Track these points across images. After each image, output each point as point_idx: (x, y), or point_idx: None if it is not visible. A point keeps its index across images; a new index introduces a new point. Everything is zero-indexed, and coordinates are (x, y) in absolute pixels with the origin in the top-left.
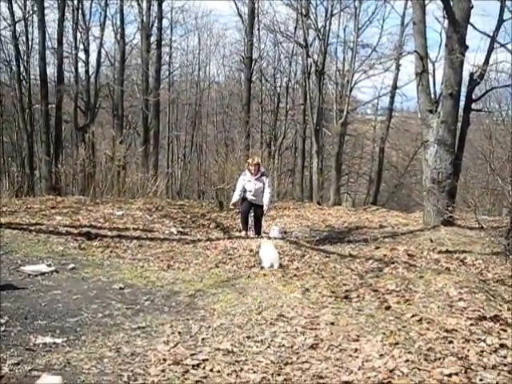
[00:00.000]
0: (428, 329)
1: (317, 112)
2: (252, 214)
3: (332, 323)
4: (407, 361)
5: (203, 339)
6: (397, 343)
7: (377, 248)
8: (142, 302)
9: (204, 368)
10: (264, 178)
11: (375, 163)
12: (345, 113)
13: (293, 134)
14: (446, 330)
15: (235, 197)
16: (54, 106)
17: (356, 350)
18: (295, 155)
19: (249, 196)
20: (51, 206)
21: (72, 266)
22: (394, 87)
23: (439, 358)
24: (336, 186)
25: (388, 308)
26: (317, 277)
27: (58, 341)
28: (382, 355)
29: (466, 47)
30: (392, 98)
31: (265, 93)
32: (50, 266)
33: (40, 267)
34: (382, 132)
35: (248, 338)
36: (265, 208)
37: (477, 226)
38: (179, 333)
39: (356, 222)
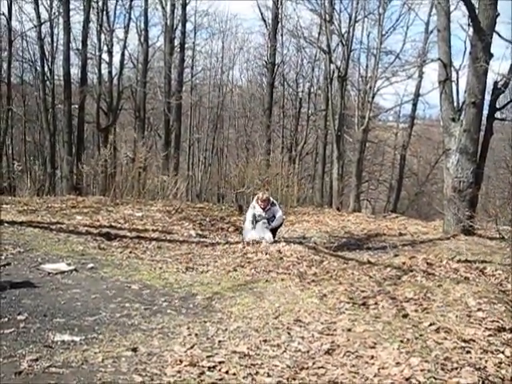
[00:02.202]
0: (445, 338)
1: (338, 118)
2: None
3: (349, 329)
4: (423, 370)
5: (220, 342)
6: (413, 351)
7: (396, 256)
8: (159, 302)
9: (220, 370)
10: (274, 208)
11: (396, 170)
12: (366, 119)
13: (314, 140)
14: (464, 340)
15: (248, 230)
16: (76, 106)
17: (372, 356)
18: (316, 161)
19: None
20: (72, 206)
21: (91, 265)
22: (417, 95)
23: (456, 368)
24: (356, 192)
25: (405, 316)
26: (335, 283)
27: (76, 339)
28: (398, 363)
29: (491, 55)
30: (414, 105)
31: (287, 98)
32: (69, 264)
33: (60, 266)
34: (403, 139)
35: (264, 341)
36: (272, 226)
37: (498, 236)
38: (196, 335)
39: (375, 230)
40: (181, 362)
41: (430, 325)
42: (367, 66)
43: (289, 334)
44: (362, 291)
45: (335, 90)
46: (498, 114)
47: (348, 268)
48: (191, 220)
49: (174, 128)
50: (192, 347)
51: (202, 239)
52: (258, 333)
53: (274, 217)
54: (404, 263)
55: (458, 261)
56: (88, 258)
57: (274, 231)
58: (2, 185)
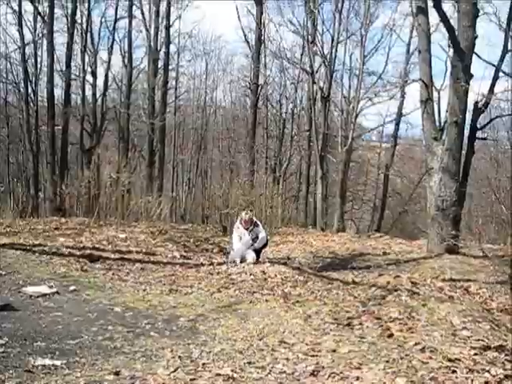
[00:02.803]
0: (431, 357)
1: (322, 138)
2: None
3: (333, 350)
4: None
5: (204, 364)
6: (399, 372)
7: (380, 275)
8: (142, 325)
9: None
10: (257, 228)
11: (380, 190)
12: (350, 139)
13: (298, 160)
14: (450, 360)
15: (238, 250)
16: (60, 127)
17: (358, 378)
18: (300, 181)
19: None
20: (55, 227)
21: (73, 287)
22: (399, 115)
23: None
24: (340, 212)
25: (390, 336)
26: (319, 303)
27: (58, 363)
28: (384, 383)
29: (471, 76)
30: (397, 125)
31: (270, 118)
32: (51, 287)
33: (41, 288)
34: (386, 159)
35: (249, 363)
36: (254, 247)
37: (481, 254)
38: (180, 357)
39: (360, 249)
40: None
41: (415, 344)
42: (350, 87)
43: (273, 355)
44: (347, 311)
45: (318, 111)
46: (479, 134)
47: (333, 288)
48: (175, 241)
49: (158, 149)
50: (175, 370)
51: (186, 261)
52: (242, 355)
53: (258, 237)
54: (388, 282)
55: (443, 280)
56: (70, 280)
57: (258, 252)
58: None
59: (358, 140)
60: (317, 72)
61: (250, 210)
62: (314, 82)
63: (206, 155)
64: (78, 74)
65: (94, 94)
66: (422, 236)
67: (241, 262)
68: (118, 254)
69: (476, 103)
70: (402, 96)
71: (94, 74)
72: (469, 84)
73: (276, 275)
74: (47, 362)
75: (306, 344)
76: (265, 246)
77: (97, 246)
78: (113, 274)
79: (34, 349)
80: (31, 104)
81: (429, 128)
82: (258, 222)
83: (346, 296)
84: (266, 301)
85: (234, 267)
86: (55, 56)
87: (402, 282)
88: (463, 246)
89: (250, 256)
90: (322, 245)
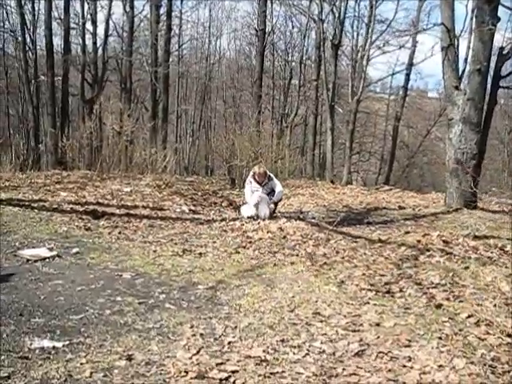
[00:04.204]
0: (488, 332)
1: (332, 88)
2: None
3: (377, 324)
4: (471, 374)
5: (230, 343)
6: (456, 350)
7: (407, 233)
8: (156, 295)
9: (234, 383)
10: (271, 182)
11: (387, 142)
12: (360, 89)
13: (303, 111)
14: (509, 335)
15: (250, 202)
16: (60, 78)
17: (409, 358)
18: (305, 132)
19: None
20: (56, 181)
21: (76, 250)
22: (410, 64)
23: (508, 371)
24: (349, 164)
25: (439, 306)
26: (349, 266)
27: (58, 345)
28: (440, 366)
29: (498, 19)
30: (407, 75)
31: (276, 68)
32: (51, 249)
33: (40, 251)
34: (395, 110)
35: (282, 341)
36: (273, 200)
37: (498, 208)
38: (201, 335)
39: (373, 203)
40: (186, 373)
41: (468, 317)
42: (358, 35)
43: (309, 331)
44: (382, 275)
45: (326, 60)
46: (502, 82)
47: (358, 247)
48: (182, 195)
49: (162, 99)
50: (198, 352)
51: (195, 216)
52: (273, 330)
53: (273, 191)
54: (419, 241)
55: (475, 237)
56: (72, 240)
57: (274, 206)
58: None
59: (364, 91)
60: (325, 20)
61: (260, 162)
62: (323, 31)
63: (209, 106)
64: (77, 22)
65: (94, 43)
66: (429, 189)
67: (255, 218)
68: (124, 210)
69: (501, 49)
70: (414, 45)
71: (93, 22)
72: (495, 27)
73: (295, 232)
74: (46, 343)
75: (344, 316)
76: (280, 199)
77: (100, 200)
78: (119, 232)
79: (30, 326)
80: (29, 53)
81: (450, 76)
82: (272, 175)
83: (376, 256)
84: (292, 263)
85: (249, 223)
86: (53, 3)
87: (433, 241)
88: (481, 201)
89: (264, 212)
90: (334, 198)
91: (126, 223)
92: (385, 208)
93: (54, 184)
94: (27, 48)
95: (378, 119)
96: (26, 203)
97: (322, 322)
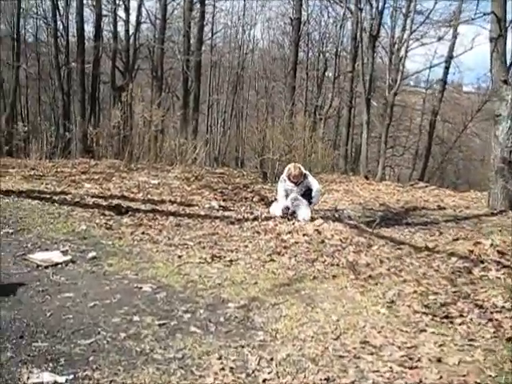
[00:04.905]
0: None
1: (369, 80)
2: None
3: (438, 360)
4: None
5: (265, 381)
6: None
7: (455, 240)
8: (179, 314)
9: None
10: (307, 180)
11: (422, 136)
12: (398, 82)
13: (337, 103)
14: None
15: (281, 203)
16: (91, 65)
17: None
18: (338, 125)
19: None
20: (82, 171)
21: (93, 254)
22: (450, 57)
23: None
24: (384, 159)
25: (511, 340)
26: (397, 280)
27: (61, 379)
28: None
29: None
30: (447, 68)
31: (310, 59)
32: (65, 253)
33: (52, 255)
34: (432, 104)
35: (327, 380)
36: (312, 204)
37: None
38: (231, 369)
39: (411, 201)
40: None
41: None
42: (395, 26)
43: (358, 366)
44: (435, 293)
45: (364, 51)
46: None
47: (404, 256)
48: (212, 188)
49: (193, 88)
50: None
51: (225, 213)
52: (315, 365)
53: (310, 189)
54: (471, 251)
55: None
56: (90, 242)
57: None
58: (12, 147)
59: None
60: (363, 9)
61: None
62: (360, 22)
63: (241, 96)
64: (109, 9)
65: (126, 31)
66: (464, 186)
67: (290, 218)
68: (150, 205)
69: None
70: (454, 36)
71: (126, 9)
72: None
73: (333, 235)
74: (46, 377)
75: (399, 347)
76: (319, 200)
77: (126, 193)
78: (142, 232)
79: (30, 353)
80: (62, 40)
81: (498, 69)
82: (308, 173)
83: (425, 268)
84: (334, 277)
85: (283, 223)
86: None
87: (487, 251)
88: None
89: (303, 213)
90: (370, 195)
91: (151, 221)
92: (424, 208)
93: (79, 174)
94: (59, 34)
95: (413, 113)
96: (47, 195)
97: (372, 354)
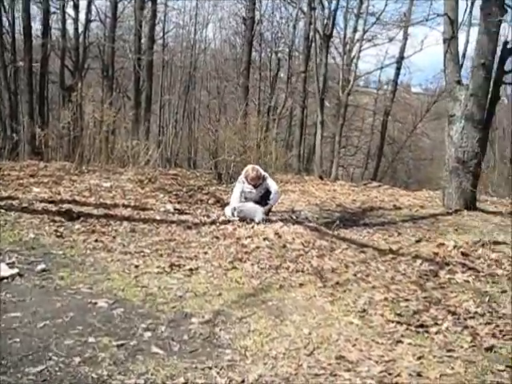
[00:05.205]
0: None
1: (323, 80)
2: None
3: (419, 374)
4: None
5: None
6: None
7: (417, 241)
8: (139, 332)
9: None
10: (265, 182)
11: (374, 136)
12: (352, 82)
13: (290, 104)
14: None
15: (233, 204)
16: (39, 63)
17: None
18: (290, 125)
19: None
20: (30, 174)
21: (43, 266)
22: (401, 57)
23: None
24: (337, 159)
25: (489, 349)
26: (366, 286)
27: None
28: None
29: (505, 11)
30: (398, 69)
31: (263, 59)
32: (12, 266)
33: None
34: (384, 105)
35: None
36: (270, 205)
37: (494, 209)
38: None
39: (367, 201)
40: None
41: None
42: (346, 28)
43: None
44: (406, 300)
45: (316, 52)
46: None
47: (368, 259)
48: (166, 191)
49: (145, 88)
50: None
51: (182, 217)
52: None
53: (268, 191)
54: (436, 254)
55: (492, 249)
56: (39, 252)
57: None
58: None
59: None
60: (315, 9)
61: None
62: (311, 23)
63: (194, 96)
64: (58, 6)
65: (76, 29)
66: (414, 185)
67: (246, 221)
68: (102, 209)
69: (505, 43)
70: (405, 37)
71: (75, 7)
72: (502, 19)
73: (294, 239)
74: None
75: (376, 362)
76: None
77: (77, 198)
78: (95, 240)
79: None
80: (7, 36)
81: (452, 70)
82: (267, 175)
83: (392, 273)
84: (301, 285)
85: (242, 227)
86: None
87: (450, 253)
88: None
89: (259, 215)
90: (326, 195)
91: (105, 227)
92: (380, 208)
93: (27, 177)
94: (4, 31)
95: (364, 113)
96: None
97: (349, 370)
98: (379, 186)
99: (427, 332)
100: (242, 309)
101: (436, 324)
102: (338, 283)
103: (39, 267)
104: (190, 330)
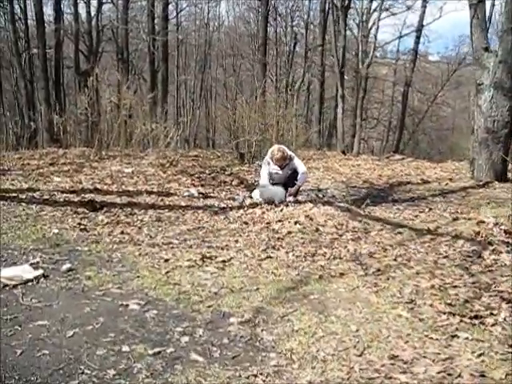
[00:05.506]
0: None
1: (342, 53)
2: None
3: (482, 374)
4: None
5: None
6: None
7: (455, 219)
8: (175, 337)
9: None
10: (292, 162)
11: (394, 108)
12: (371, 53)
13: (308, 78)
14: None
15: (263, 183)
16: (53, 49)
17: None
18: (308, 100)
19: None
20: (50, 163)
21: (68, 265)
22: (421, 26)
23: None
24: (360, 133)
25: None
26: (409, 273)
27: None
28: None
29: None
30: (418, 38)
31: (279, 34)
32: (36, 266)
33: (22, 270)
34: (404, 75)
35: None
36: (297, 185)
37: None
38: None
39: (393, 176)
40: None
41: None
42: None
43: None
44: (454, 286)
45: (334, 24)
46: None
47: (406, 241)
48: (189, 174)
49: (161, 69)
50: None
51: (206, 201)
52: None
53: (296, 172)
54: (478, 233)
55: None
56: (64, 250)
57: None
58: None
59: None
60: None
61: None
62: None
63: (210, 75)
64: None
65: (88, 12)
66: (436, 155)
67: (268, 202)
68: (126, 197)
69: None
70: (424, 5)
71: None
72: None
73: (326, 221)
74: None
75: (433, 361)
76: (304, 182)
77: (99, 186)
78: (121, 232)
79: None
80: (20, 23)
81: (479, 36)
82: (293, 155)
83: (434, 256)
84: (341, 274)
85: (270, 211)
86: None
87: (492, 231)
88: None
89: (278, 197)
90: (350, 171)
91: (129, 216)
92: (408, 182)
93: (47, 166)
94: (16, 18)
95: (383, 85)
96: (13, 194)
97: (405, 372)
98: (402, 158)
99: (483, 324)
100: (283, 305)
101: (492, 314)
102: (379, 270)
103: (65, 267)
104: (229, 332)
